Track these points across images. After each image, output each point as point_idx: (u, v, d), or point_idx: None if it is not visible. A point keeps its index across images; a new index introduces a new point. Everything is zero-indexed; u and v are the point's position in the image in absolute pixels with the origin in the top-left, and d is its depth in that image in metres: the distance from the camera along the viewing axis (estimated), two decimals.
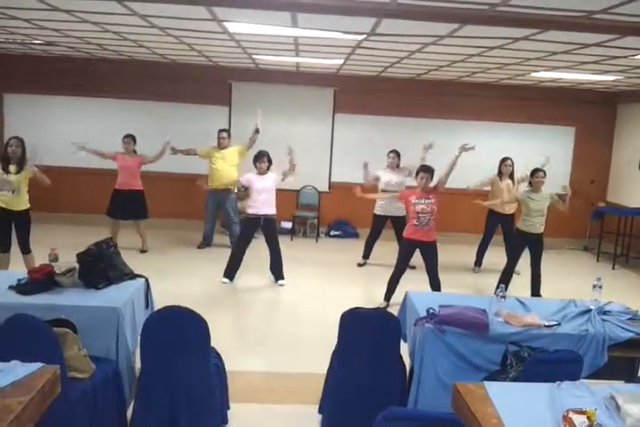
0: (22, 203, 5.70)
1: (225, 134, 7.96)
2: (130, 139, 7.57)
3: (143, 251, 7.74)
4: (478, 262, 7.78)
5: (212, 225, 8.22)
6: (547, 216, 6.14)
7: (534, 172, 6.14)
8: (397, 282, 5.88)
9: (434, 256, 5.80)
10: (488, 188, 7.55)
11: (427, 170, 5.72)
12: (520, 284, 6.48)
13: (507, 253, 6.81)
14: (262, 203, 6.39)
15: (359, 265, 7.70)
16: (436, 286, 5.79)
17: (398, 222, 7.07)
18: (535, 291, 6.18)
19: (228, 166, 7.84)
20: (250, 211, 6.47)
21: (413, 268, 6.93)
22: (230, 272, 6.59)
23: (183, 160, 8.09)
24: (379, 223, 7.49)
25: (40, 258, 4.06)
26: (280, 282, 6.64)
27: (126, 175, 7.57)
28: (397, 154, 7.47)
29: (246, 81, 9.20)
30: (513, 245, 6.45)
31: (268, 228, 6.52)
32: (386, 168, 7.52)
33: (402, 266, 5.89)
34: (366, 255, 7.72)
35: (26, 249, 5.84)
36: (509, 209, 7.12)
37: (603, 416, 2.20)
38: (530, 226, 6.11)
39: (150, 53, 7.83)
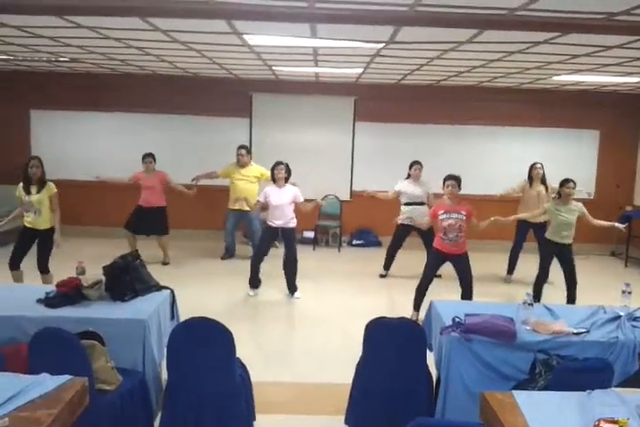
0: (45, 222, 5.74)
1: (243, 151, 7.87)
2: (151, 158, 7.64)
3: (165, 263, 7.81)
4: (510, 271, 7.63)
5: (232, 236, 8.22)
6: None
7: (564, 182, 5.87)
8: (425, 292, 5.72)
9: (466, 268, 5.56)
10: (520, 194, 7.40)
11: (454, 178, 5.54)
12: (552, 293, 6.34)
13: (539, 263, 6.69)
14: (279, 217, 6.29)
15: (381, 276, 7.61)
16: (467, 297, 5.56)
17: (423, 231, 6.95)
18: (571, 300, 6.02)
19: (249, 184, 7.83)
20: (269, 222, 6.42)
21: (439, 276, 6.87)
22: (253, 282, 6.58)
23: (205, 171, 8.14)
24: (402, 232, 7.32)
25: (67, 271, 4.11)
26: (295, 295, 6.53)
27: (149, 193, 7.66)
28: (421, 165, 7.32)
29: (267, 92, 9.27)
30: (542, 254, 6.29)
31: (287, 236, 6.42)
32: (408, 179, 7.37)
33: (429, 276, 5.72)
34: (387, 266, 7.60)
35: (45, 269, 5.82)
36: (541, 218, 6.80)
37: (635, 426, 2.15)
38: (558, 237, 5.96)
39: (172, 68, 7.95)
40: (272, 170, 6.39)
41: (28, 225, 5.76)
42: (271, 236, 6.50)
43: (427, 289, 5.74)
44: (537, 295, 5.89)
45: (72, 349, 2.88)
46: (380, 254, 8.06)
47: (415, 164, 7.35)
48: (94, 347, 3.07)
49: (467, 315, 3.58)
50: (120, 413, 3.07)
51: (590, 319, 3.76)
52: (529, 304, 3.74)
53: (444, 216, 5.48)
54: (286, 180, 6.37)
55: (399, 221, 6.78)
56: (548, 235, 6.11)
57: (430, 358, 3.59)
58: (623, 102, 9.31)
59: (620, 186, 9.42)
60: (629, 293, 4.02)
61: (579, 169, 8.87)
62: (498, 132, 9.42)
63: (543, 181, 7.29)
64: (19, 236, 5.87)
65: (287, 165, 6.37)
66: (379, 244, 9.32)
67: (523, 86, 8.77)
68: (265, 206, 6.44)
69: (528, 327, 3.57)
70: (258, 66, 7.32)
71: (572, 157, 9.33)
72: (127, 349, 3.39)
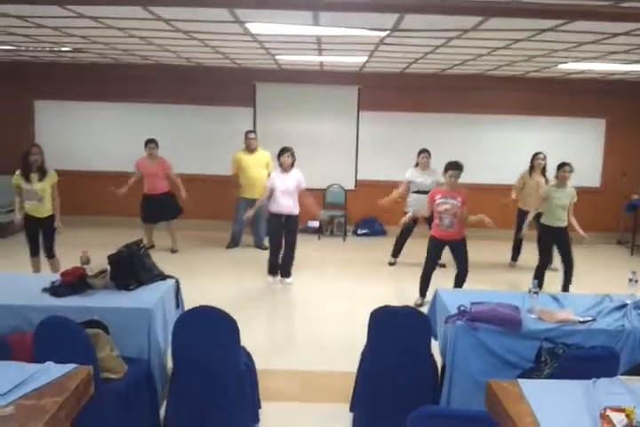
0: (47, 209, 5.83)
1: (253, 135, 7.95)
2: (153, 144, 7.65)
3: (174, 251, 7.84)
4: (514, 257, 7.69)
5: (240, 226, 8.20)
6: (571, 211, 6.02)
7: (560, 166, 5.96)
8: (429, 279, 5.80)
9: (463, 254, 5.66)
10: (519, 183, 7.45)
11: (456, 167, 5.55)
12: (556, 280, 6.33)
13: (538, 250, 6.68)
14: (284, 202, 6.32)
15: (390, 264, 7.60)
16: (459, 281, 5.66)
17: (429, 218, 6.91)
18: (565, 286, 6.05)
19: (260, 170, 7.83)
20: (272, 209, 6.44)
21: (443, 266, 6.87)
22: (272, 271, 6.60)
23: (210, 161, 8.13)
24: (410, 223, 7.31)
25: (72, 261, 4.12)
26: (287, 280, 6.57)
27: (152, 180, 7.70)
28: (429, 153, 7.32)
29: (270, 82, 9.23)
30: (540, 241, 6.29)
31: (289, 225, 6.44)
32: (416, 167, 7.35)
33: (431, 264, 5.81)
34: (396, 254, 7.60)
35: (51, 254, 5.99)
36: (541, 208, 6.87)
37: None
38: (554, 221, 6.01)
39: (176, 57, 7.91)
40: (278, 156, 6.42)
41: (31, 213, 5.80)
42: (278, 224, 6.45)
43: (430, 276, 5.81)
44: (539, 282, 5.90)
45: (77, 337, 2.89)
46: (385, 243, 8.05)
47: (423, 152, 7.33)
48: (99, 336, 3.08)
49: (472, 303, 3.58)
50: (126, 401, 3.08)
51: (596, 308, 3.75)
52: (534, 292, 3.72)
53: (441, 200, 5.53)
54: (292, 165, 6.40)
55: (403, 222, 6.47)
56: (543, 220, 6.14)
57: (435, 347, 3.59)
58: (629, 90, 9.20)
59: (627, 175, 9.35)
60: (636, 281, 3.99)
61: (585, 158, 8.81)
62: (503, 120, 9.34)
63: (543, 173, 7.28)
64: (25, 226, 5.92)
65: (292, 150, 6.39)
66: (384, 233, 9.30)
67: (528, 75, 8.69)
68: (271, 194, 6.43)
69: (534, 316, 3.56)
70: (261, 55, 7.27)
71: (577, 146, 9.26)
72: (132, 337, 3.40)
